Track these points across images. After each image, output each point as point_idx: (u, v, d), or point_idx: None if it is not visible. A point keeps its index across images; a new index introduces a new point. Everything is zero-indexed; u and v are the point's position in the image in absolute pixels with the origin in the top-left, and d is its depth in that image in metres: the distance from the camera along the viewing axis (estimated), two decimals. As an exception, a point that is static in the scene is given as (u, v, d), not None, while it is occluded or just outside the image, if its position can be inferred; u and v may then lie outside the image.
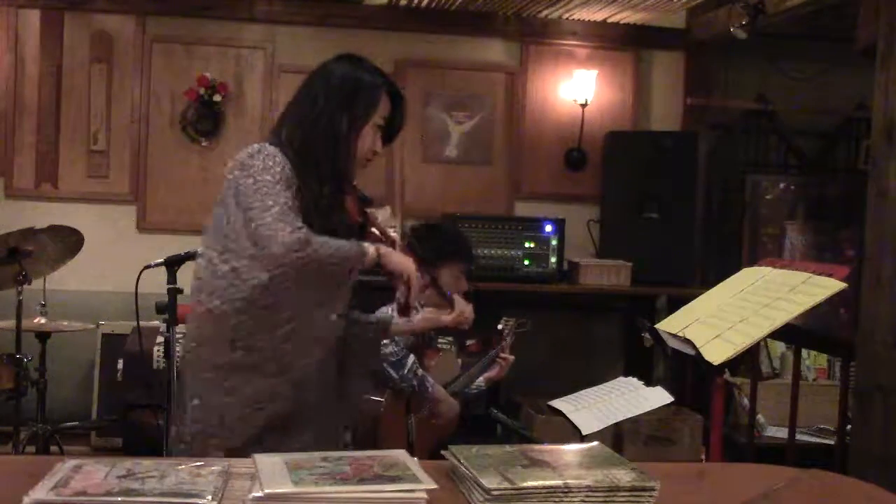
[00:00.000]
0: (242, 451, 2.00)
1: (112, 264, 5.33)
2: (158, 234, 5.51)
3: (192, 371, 2.35)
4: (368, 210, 2.44)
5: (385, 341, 3.42)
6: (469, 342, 4.15)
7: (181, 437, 2.35)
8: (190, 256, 2.80)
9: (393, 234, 2.46)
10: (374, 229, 2.41)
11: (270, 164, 2.22)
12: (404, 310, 2.41)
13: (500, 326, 3.77)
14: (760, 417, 4.67)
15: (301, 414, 2.33)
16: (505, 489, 1.44)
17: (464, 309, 3.04)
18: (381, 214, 2.49)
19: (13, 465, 2.04)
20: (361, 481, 1.44)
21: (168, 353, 2.88)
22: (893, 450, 3.28)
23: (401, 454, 1.59)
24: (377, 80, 2.36)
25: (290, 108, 2.38)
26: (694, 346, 2.43)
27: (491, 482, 1.45)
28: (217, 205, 2.31)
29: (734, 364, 4.55)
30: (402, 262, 2.35)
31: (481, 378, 3.74)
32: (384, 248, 2.31)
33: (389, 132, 2.41)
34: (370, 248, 2.27)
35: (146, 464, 1.53)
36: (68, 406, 5.18)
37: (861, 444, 3.48)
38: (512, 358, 3.74)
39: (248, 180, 2.20)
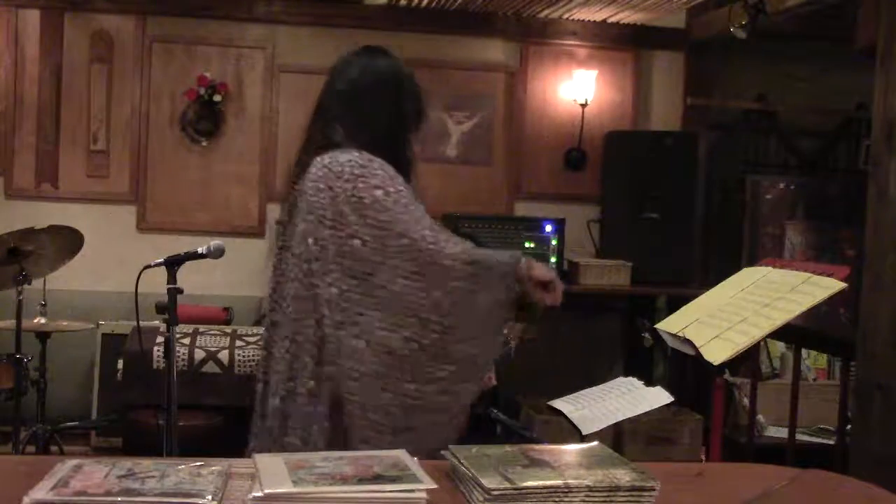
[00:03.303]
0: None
1: (112, 264, 5.33)
2: (158, 234, 5.51)
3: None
4: None
5: None
6: None
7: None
8: (190, 256, 2.79)
9: None
10: None
11: (392, 172, 2.02)
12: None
13: (504, 332, 3.75)
14: (760, 417, 4.67)
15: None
16: (505, 489, 1.44)
17: None
18: None
19: (13, 465, 2.04)
20: (361, 481, 1.44)
21: (168, 353, 2.88)
22: (893, 450, 3.28)
23: (401, 454, 1.59)
24: (413, 75, 2.28)
25: (336, 108, 2.18)
26: (694, 346, 2.43)
27: (491, 482, 1.45)
28: (320, 226, 2.00)
29: (734, 364, 4.55)
30: (547, 270, 2.18)
31: None
32: (529, 260, 2.12)
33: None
34: (520, 254, 2.08)
35: (146, 464, 1.53)
36: (68, 406, 5.19)
37: (861, 444, 3.47)
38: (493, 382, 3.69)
39: (377, 192, 1.97)
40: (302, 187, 2.09)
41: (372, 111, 2.17)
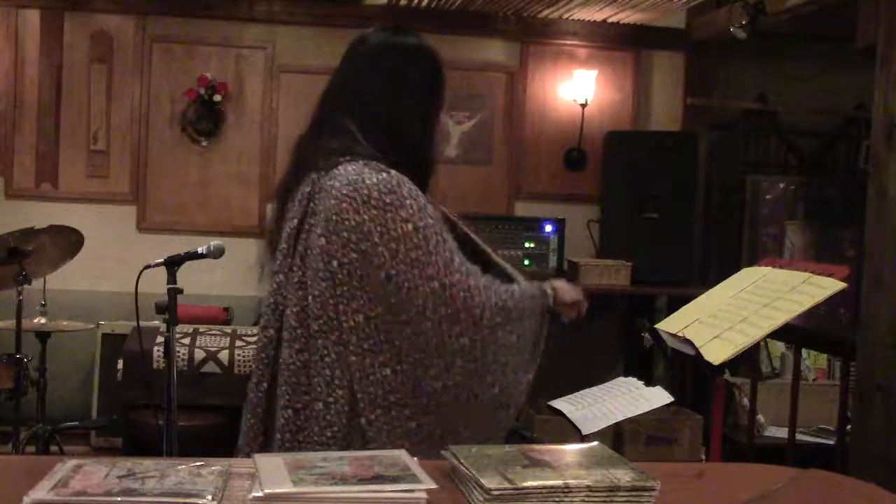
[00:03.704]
0: None
1: (112, 264, 5.33)
2: (158, 234, 5.51)
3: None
4: None
5: None
6: None
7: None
8: (190, 256, 2.79)
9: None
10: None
11: (423, 201, 1.87)
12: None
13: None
14: (760, 417, 4.67)
15: None
16: (505, 489, 1.44)
17: None
18: None
19: (13, 465, 2.04)
20: (361, 481, 1.44)
21: (168, 353, 2.88)
22: (893, 450, 3.28)
23: (401, 454, 1.59)
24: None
25: (351, 96, 2.00)
26: (694, 346, 2.43)
27: (491, 482, 1.45)
28: (346, 249, 1.87)
29: (734, 364, 4.55)
30: (574, 291, 2.13)
31: None
32: (556, 283, 2.07)
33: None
34: (547, 286, 2.03)
35: (146, 464, 1.53)
36: (68, 406, 5.19)
37: (861, 444, 3.48)
38: None
39: (407, 226, 1.84)
40: (318, 195, 1.94)
41: (397, 107, 1.99)
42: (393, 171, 1.90)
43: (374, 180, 1.87)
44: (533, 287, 2.06)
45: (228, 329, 5.01)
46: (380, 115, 1.99)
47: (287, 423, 1.97)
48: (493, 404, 1.99)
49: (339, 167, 1.92)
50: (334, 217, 1.88)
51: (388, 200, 1.85)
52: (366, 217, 1.85)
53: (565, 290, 2.12)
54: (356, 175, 1.88)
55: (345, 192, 1.87)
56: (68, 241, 4.35)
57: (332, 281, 1.90)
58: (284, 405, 1.97)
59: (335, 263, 1.88)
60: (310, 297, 1.93)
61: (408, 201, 1.86)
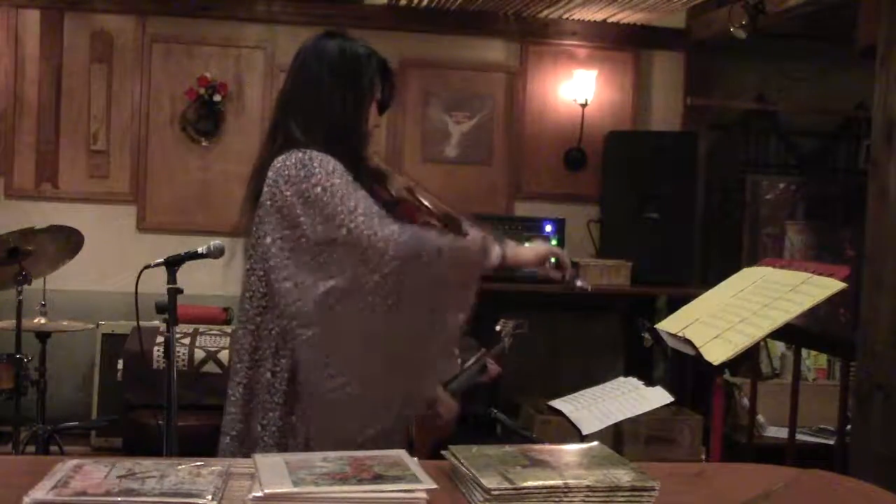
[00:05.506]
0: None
1: (112, 264, 5.33)
2: (158, 234, 5.51)
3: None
4: (389, 183, 2.31)
5: None
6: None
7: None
8: (190, 256, 2.79)
9: (426, 201, 2.31)
10: (419, 198, 2.28)
11: (330, 168, 2.07)
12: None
13: (497, 328, 3.75)
14: (760, 417, 4.67)
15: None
16: (505, 489, 1.44)
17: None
18: (398, 183, 2.34)
19: (13, 465, 2.04)
20: (361, 481, 1.44)
21: (168, 353, 2.87)
22: (893, 450, 3.28)
23: (401, 454, 1.59)
24: (370, 52, 2.27)
25: (292, 101, 2.25)
26: (694, 346, 2.43)
27: (491, 482, 1.45)
28: (278, 227, 2.09)
29: (734, 364, 4.55)
30: (537, 251, 2.22)
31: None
32: (510, 245, 2.14)
33: (383, 104, 2.32)
34: (495, 245, 2.10)
35: (146, 464, 1.53)
36: (68, 406, 5.19)
37: (861, 444, 3.47)
38: (499, 369, 3.68)
39: (316, 189, 2.05)
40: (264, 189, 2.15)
41: (321, 102, 2.21)
42: (311, 152, 2.11)
43: (293, 161, 2.10)
44: (475, 241, 2.17)
45: (228, 329, 5.01)
46: (311, 111, 2.22)
47: (240, 397, 2.20)
48: (417, 349, 2.12)
49: (277, 159, 2.14)
50: (267, 202, 2.12)
51: (302, 174, 2.07)
52: (287, 193, 2.08)
53: (531, 247, 2.23)
54: (281, 163, 2.12)
55: (273, 177, 2.12)
56: (68, 241, 4.35)
57: (269, 261, 2.12)
58: (239, 381, 2.19)
59: (269, 240, 2.12)
60: (254, 278, 2.18)
61: (317, 170, 2.07)
